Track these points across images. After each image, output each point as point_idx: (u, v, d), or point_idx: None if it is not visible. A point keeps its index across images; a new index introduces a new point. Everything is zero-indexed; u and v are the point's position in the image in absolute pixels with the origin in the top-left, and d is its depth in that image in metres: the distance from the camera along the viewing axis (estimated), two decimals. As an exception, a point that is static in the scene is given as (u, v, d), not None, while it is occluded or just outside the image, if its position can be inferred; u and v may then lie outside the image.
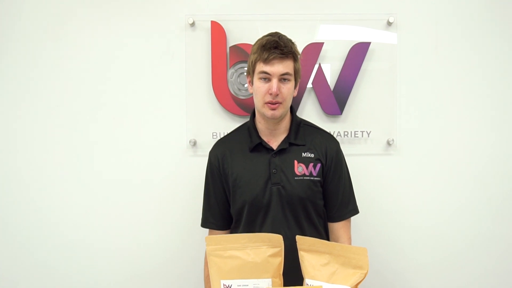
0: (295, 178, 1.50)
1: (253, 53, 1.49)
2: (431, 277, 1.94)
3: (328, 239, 1.58)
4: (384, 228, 1.93)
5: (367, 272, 1.26)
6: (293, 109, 1.61)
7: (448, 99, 1.92)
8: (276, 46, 1.43)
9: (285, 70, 1.44)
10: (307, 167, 1.52)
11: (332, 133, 1.86)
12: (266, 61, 1.43)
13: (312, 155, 1.54)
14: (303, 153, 1.53)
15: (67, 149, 1.91)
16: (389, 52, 1.90)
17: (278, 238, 1.30)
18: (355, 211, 1.60)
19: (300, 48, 1.82)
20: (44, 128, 1.91)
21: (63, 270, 1.92)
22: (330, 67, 1.89)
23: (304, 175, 1.51)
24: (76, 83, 1.90)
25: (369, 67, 1.89)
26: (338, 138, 1.75)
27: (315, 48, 1.87)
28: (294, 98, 1.56)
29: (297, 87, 1.56)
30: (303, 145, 1.55)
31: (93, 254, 1.92)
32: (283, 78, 1.45)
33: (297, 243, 1.34)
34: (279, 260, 1.30)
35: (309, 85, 1.88)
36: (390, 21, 1.88)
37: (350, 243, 1.59)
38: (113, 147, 1.91)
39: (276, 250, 1.30)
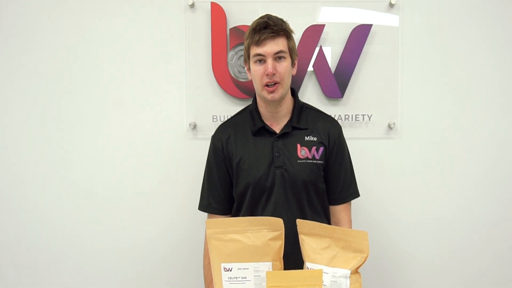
0: (298, 161, 1.50)
1: (246, 39, 1.50)
2: (432, 261, 1.95)
3: (329, 224, 1.58)
4: (385, 211, 1.93)
5: (367, 256, 1.27)
6: (295, 93, 1.60)
7: (450, 82, 1.90)
8: (266, 26, 1.43)
9: (278, 48, 1.44)
10: (310, 151, 1.52)
11: (333, 117, 1.85)
12: (258, 43, 1.44)
13: (315, 139, 1.53)
14: (306, 137, 1.53)
15: (66, 133, 1.90)
16: (391, 34, 1.88)
17: (278, 222, 1.30)
18: (356, 194, 1.61)
19: (300, 30, 1.82)
20: (41, 113, 1.89)
21: (69, 243, 1.94)
22: (331, 50, 1.87)
23: (307, 158, 1.51)
24: (74, 65, 1.88)
25: (371, 49, 1.87)
26: (339, 122, 1.74)
27: (316, 31, 1.85)
28: (294, 82, 1.55)
29: (295, 66, 1.55)
30: (306, 129, 1.55)
31: (91, 236, 1.92)
32: (278, 57, 1.45)
33: (297, 226, 1.34)
34: (280, 244, 1.31)
35: (310, 68, 1.86)
36: (392, 2, 1.85)
37: (351, 226, 1.60)
38: (112, 131, 1.90)
39: (276, 233, 1.30)
